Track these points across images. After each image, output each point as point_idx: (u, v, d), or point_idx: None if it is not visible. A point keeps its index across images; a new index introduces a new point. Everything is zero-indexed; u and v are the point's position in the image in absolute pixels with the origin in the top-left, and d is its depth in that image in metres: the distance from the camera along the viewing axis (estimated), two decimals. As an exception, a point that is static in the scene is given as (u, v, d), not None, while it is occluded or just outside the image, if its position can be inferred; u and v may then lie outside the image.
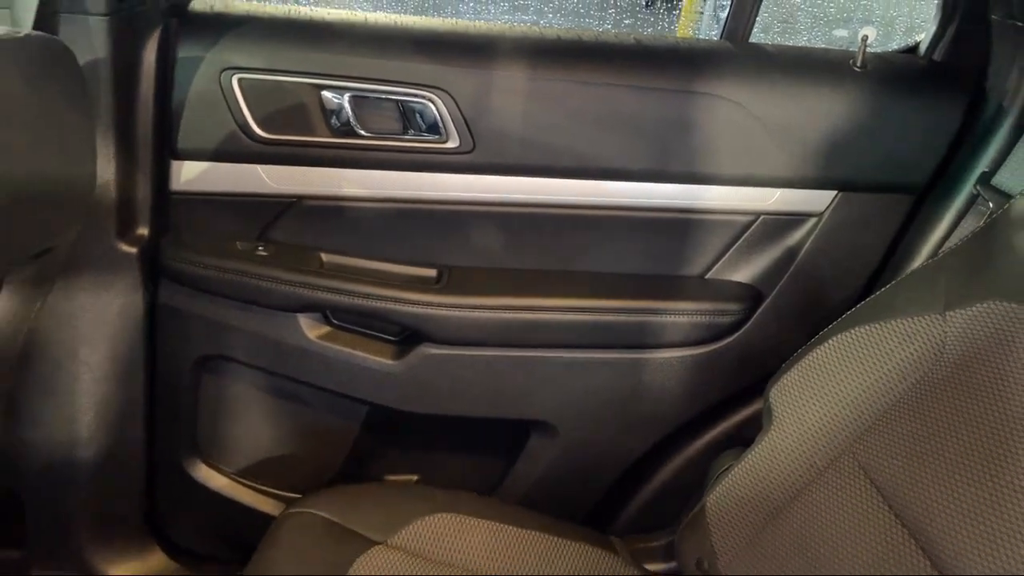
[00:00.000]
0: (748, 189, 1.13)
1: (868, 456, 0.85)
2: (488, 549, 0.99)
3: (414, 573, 0.93)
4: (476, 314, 1.12)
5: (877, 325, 0.87)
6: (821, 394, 0.90)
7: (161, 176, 1.09)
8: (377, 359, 1.14)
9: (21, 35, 0.77)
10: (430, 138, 1.09)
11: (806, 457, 0.90)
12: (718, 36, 1.20)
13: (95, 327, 1.09)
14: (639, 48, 1.14)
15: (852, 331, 0.89)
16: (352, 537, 0.96)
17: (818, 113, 1.10)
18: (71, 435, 1.15)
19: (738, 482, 0.95)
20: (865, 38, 1.08)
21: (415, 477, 1.29)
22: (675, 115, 1.10)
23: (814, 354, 0.92)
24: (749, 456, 0.95)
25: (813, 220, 1.15)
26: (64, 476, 1.17)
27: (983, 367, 0.75)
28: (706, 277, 1.18)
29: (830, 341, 0.91)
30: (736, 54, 1.14)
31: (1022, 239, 0.78)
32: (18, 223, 0.78)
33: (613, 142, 1.10)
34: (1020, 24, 1.00)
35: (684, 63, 1.11)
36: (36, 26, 0.88)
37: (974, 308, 0.78)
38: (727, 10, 1.17)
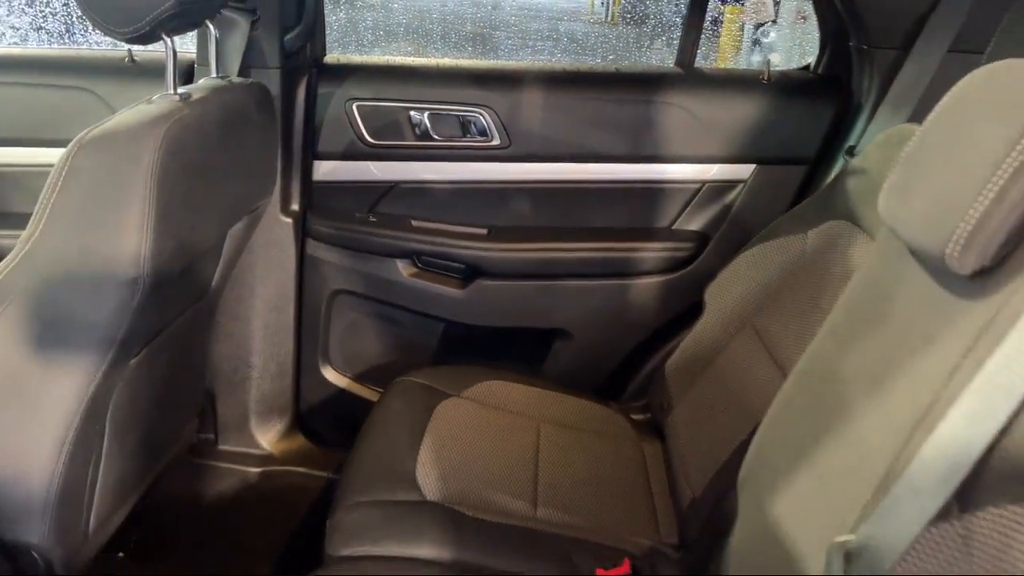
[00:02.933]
0: (695, 165, 1.66)
1: (759, 323, 1.35)
2: (524, 400, 1.50)
3: (474, 411, 1.45)
4: (513, 255, 1.67)
5: (768, 243, 1.38)
6: (733, 289, 1.41)
7: (308, 171, 1.66)
8: (448, 289, 1.69)
9: (247, 81, 1.34)
10: (480, 140, 1.65)
11: (724, 328, 1.41)
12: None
13: (265, 271, 1.66)
14: (618, 74, 1.69)
15: (753, 248, 1.41)
16: (436, 392, 1.49)
17: (740, 112, 1.63)
18: (248, 347, 1.71)
19: (684, 350, 1.48)
20: (769, 61, 1.62)
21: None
22: (644, 117, 1.64)
23: (731, 264, 1.44)
24: (691, 332, 1.47)
25: (740, 185, 1.67)
26: (242, 377, 1.72)
27: (825, 262, 1.23)
28: (672, 228, 1.71)
29: (740, 256, 1.43)
30: (684, 75, 1.68)
31: (852, 181, 1.27)
32: (252, 186, 1.34)
33: (602, 137, 1.65)
34: (866, 47, 1.52)
35: (649, 82, 1.66)
36: (240, 74, 1.46)
37: (821, 226, 1.28)
38: (764, 37, 1.70)
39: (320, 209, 1.68)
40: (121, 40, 1.05)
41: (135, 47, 1.66)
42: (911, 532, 0.59)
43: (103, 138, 0.97)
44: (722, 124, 1.63)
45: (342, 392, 1.78)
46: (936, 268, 0.73)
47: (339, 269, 1.70)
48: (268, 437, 1.78)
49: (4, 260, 0.99)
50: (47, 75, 1.66)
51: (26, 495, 1.06)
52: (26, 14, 1.88)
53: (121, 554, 1.61)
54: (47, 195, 0.97)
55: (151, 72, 1.65)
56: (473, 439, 1.35)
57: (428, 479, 1.23)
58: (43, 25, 1.91)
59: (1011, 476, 0.55)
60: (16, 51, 1.83)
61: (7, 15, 1.90)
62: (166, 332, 1.25)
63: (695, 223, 1.70)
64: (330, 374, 1.79)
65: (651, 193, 1.69)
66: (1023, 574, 0.54)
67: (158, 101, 1.07)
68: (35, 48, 2.04)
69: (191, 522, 1.73)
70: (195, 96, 1.12)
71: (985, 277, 0.66)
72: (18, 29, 1.93)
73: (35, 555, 1.11)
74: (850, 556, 0.63)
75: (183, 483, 1.76)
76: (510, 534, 1.16)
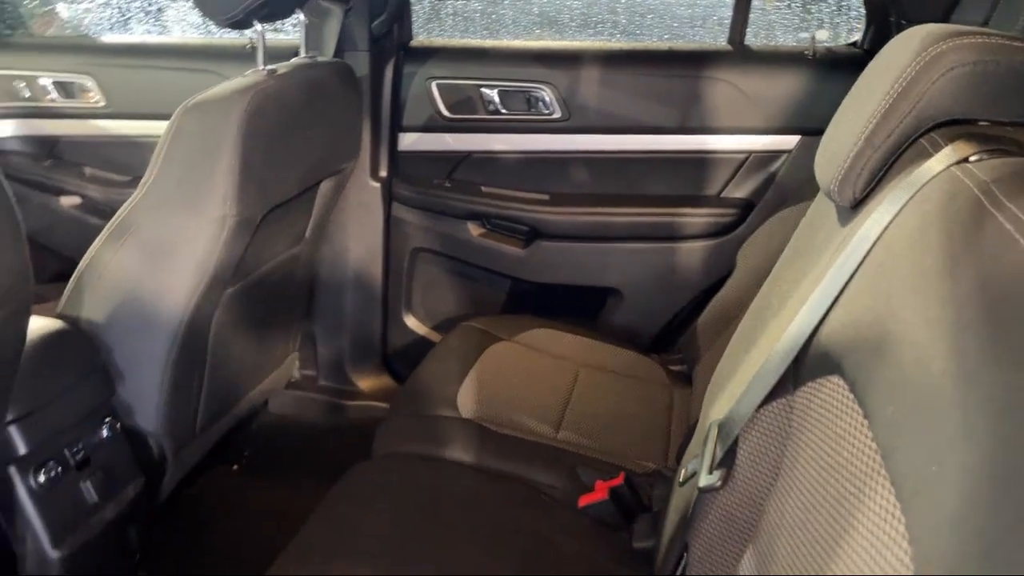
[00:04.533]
0: (742, 136, 1.77)
1: (773, 280, 1.46)
2: (570, 347, 1.67)
3: (521, 353, 1.64)
4: (571, 219, 1.84)
5: (797, 206, 1.49)
6: (761, 248, 1.53)
7: (394, 142, 1.90)
8: (512, 248, 1.88)
9: (332, 60, 1.59)
10: (544, 113, 1.83)
11: (749, 284, 1.52)
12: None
13: (357, 230, 1.91)
14: (671, 52, 1.82)
15: (783, 211, 1.52)
16: (490, 336, 1.67)
17: (786, 87, 1.73)
18: (342, 297, 1.97)
19: (713, 305, 1.61)
20: (814, 38, 1.70)
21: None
22: (695, 92, 1.76)
23: (763, 226, 1.56)
24: (721, 290, 1.59)
25: (784, 155, 1.76)
26: (339, 322, 1.99)
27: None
28: (719, 196, 1.83)
29: (771, 219, 1.54)
30: (733, 52, 1.79)
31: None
32: (332, 150, 1.58)
33: (655, 110, 1.79)
34: (904, 22, 1.58)
35: (700, 59, 1.78)
36: (334, 56, 1.71)
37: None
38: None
39: (404, 176, 1.91)
40: (220, 25, 1.31)
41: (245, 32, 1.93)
42: (753, 407, 0.73)
43: (202, 104, 1.23)
44: (769, 98, 1.73)
45: (421, 338, 2.01)
46: (836, 205, 0.85)
47: (419, 229, 1.92)
48: (359, 375, 2.04)
49: (129, 199, 1.27)
50: (183, 60, 1.98)
51: (142, 389, 1.34)
52: (172, 8, 2.24)
53: (235, 467, 1.91)
54: (160, 148, 1.24)
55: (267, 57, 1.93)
56: (514, 375, 1.54)
57: (466, 401, 1.43)
58: (184, 17, 2.26)
59: (821, 356, 0.68)
60: (158, 40, 2.18)
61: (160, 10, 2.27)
62: (262, 271, 1.52)
63: (741, 191, 1.80)
64: (411, 322, 2.02)
65: (700, 163, 1.81)
66: (834, 428, 0.67)
67: (249, 76, 1.32)
68: (176, 38, 2.40)
69: (293, 443, 2.01)
70: (280, 71, 1.36)
71: (859, 207, 0.79)
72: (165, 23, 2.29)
73: (150, 442, 1.40)
74: (718, 431, 0.78)
75: (289, 411, 2.05)
76: (528, 448, 1.34)
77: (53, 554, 1.17)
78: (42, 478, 1.16)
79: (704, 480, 0.76)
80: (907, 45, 0.78)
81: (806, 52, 1.72)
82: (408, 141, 1.91)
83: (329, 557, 1.06)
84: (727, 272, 1.81)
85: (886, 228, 0.67)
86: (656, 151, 1.81)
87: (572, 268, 1.87)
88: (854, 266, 0.69)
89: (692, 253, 1.81)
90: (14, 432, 1.13)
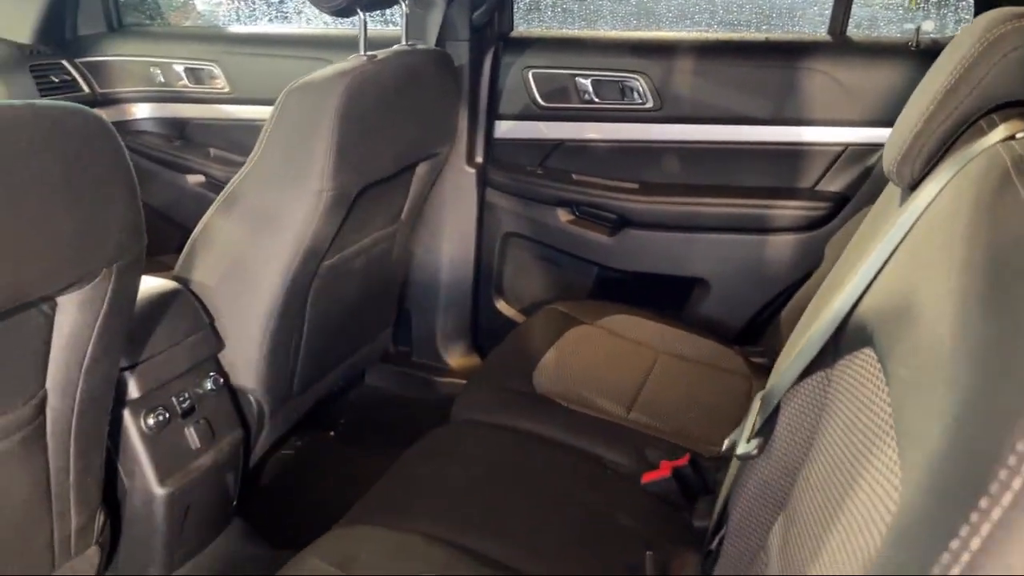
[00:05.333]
0: (839, 128, 1.74)
1: (839, 264, 1.44)
2: (652, 334, 1.69)
3: (601, 337, 1.67)
4: (660, 208, 1.85)
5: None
6: (845, 245, 1.51)
7: (490, 129, 1.96)
8: (600, 236, 1.91)
9: (431, 48, 1.66)
10: (636, 103, 1.85)
11: (830, 275, 1.51)
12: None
13: (452, 214, 1.99)
14: (767, 43, 1.80)
15: (877, 204, 1.49)
16: (573, 319, 1.71)
17: (887, 78, 1.68)
18: (437, 278, 2.05)
19: (798, 297, 1.59)
20: (919, 28, 1.65)
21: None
22: (791, 83, 1.75)
23: (854, 218, 1.54)
24: (806, 283, 1.58)
25: (883, 148, 1.71)
26: (432, 302, 2.08)
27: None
28: (814, 189, 1.80)
29: (864, 211, 1.51)
30: (833, 43, 1.75)
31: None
32: (427, 133, 1.66)
33: (749, 101, 1.78)
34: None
35: (797, 50, 1.75)
36: (436, 44, 1.79)
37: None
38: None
39: (498, 162, 1.98)
40: (326, 13, 1.41)
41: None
42: (791, 379, 0.75)
43: (304, 86, 1.32)
44: (868, 90, 1.70)
45: (509, 320, 2.07)
46: (899, 187, 0.85)
47: (511, 214, 1.98)
48: (450, 354, 2.12)
49: (239, 172, 1.39)
50: (299, 49, 2.12)
51: (245, 348, 1.46)
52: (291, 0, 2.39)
53: (332, 433, 2.02)
54: (267, 126, 1.34)
55: (373, 45, 2.04)
56: (591, 356, 1.58)
57: (541, 378, 1.48)
58: (303, 9, 2.40)
59: (858, 330, 0.69)
60: (277, 30, 2.32)
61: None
62: (358, 247, 1.61)
63: (835, 184, 1.77)
64: (500, 304, 2.09)
65: (794, 155, 1.78)
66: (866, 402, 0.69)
67: (350, 60, 1.41)
68: (292, 28, 2.54)
69: (386, 415, 2.11)
70: (379, 57, 1.45)
71: (917, 188, 0.79)
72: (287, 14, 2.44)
73: (250, 398, 1.52)
74: (760, 402, 0.80)
75: (383, 384, 2.16)
76: (597, 425, 1.37)
77: (158, 491, 1.29)
78: (151, 421, 1.29)
79: (742, 448, 0.78)
80: (974, 29, 0.78)
81: (910, 44, 1.67)
82: (504, 129, 1.97)
83: (399, 510, 1.13)
84: (817, 266, 1.78)
85: (929, 204, 0.68)
86: (749, 142, 1.81)
87: (659, 257, 1.89)
88: (896, 242, 0.70)
89: (782, 246, 1.79)
90: (128, 378, 1.26)
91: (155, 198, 2.27)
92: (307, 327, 1.56)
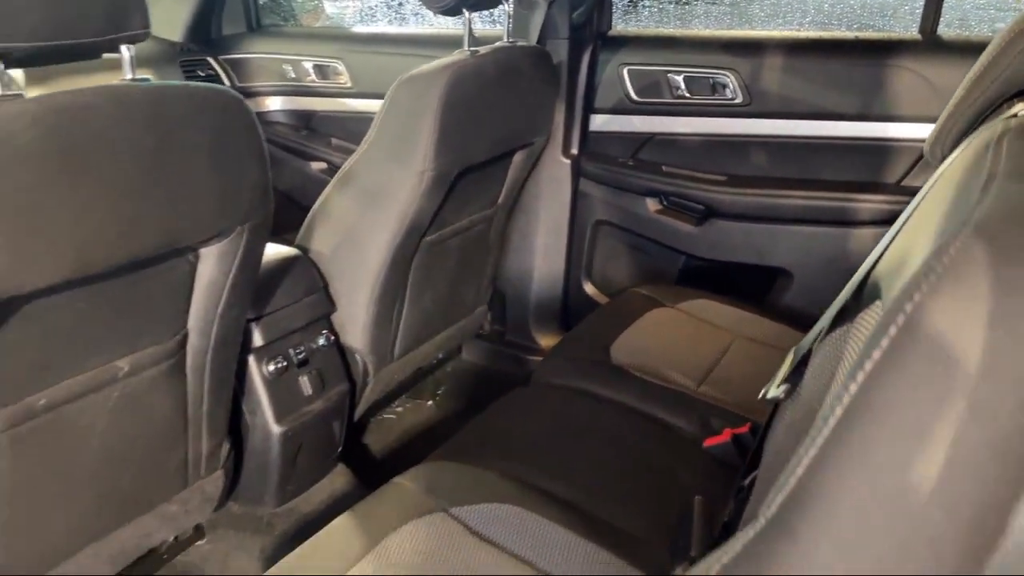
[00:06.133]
0: (927, 125, 1.76)
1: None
2: (731, 319, 1.77)
3: (681, 319, 1.76)
4: (746, 199, 1.93)
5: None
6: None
7: (586, 122, 2.09)
8: (686, 225, 2.00)
9: (530, 45, 1.80)
10: (726, 98, 1.93)
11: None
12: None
13: (547, 202, 2.12)
14: (858, 41, 1.85)
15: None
16: (654, 301, 1.81)
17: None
18: (531, 262, 2.19)
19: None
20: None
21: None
22: (879, 80, 1.79)
23: None
24: (884, 272, 1.62)
25: (970, 145, 1.73)
26: (526, 285, 2.21)
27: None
28: (899, 184, 1.83)
29: None
30: (923, 42, 1.78)
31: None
32: (523, 124, 1.80)
33: (837, 97, 1.83)
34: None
35: (887, 49, 1.79)
36: (538, 42, 1.93)
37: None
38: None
39: (592, 153, 2.10)
40: (435, 13, 1.57)
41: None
42: (820, 330, 0.84)
43: (412, 77, 1.49)
44: (953, 87, 1.72)
45: (597, 304, 2.19)
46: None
47: (602, 203, 2.10)
48: (541, 334, 2.26)
49: (354, 153, 1.57)
50: (413, 47, 2.30)
51: (353, 311, 1.64)
52: (409, 2, 2.59)
53: (430, 402, 2.20)
54: (380, 113, 1.52)
55: (480, 44, 2.20)
56: (669, 335, 1.68)
57: (618, 351, 1.59)
58: (418, 11, 2.59)
59: (873, 286, 0.78)
60: (394, 30, 2.52)
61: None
62: (457, 226, 1.77)
63: (920, 180, 1.80)
64: (590, 289, 2.20)
65: (880, 150, 1.82)
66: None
67: (455, 55, 1.57)
68: (408, 28, 2.73)
69: (480, 388, 2.27)
70: (481, 52, 1.60)
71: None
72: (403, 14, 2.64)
73: (357, 357, 1.70)
74: (794, 355, 0.89)
75: (478, 359, 2.32)
76: (667, 394, 1.47)
77: (275, 428, 1.49)
78: (272, 368, 1.48)
79: (771, 392, 0.87)
80: (1013, 21, 0.85)
81: (1001, 41, 1.69)
82: (599, 122, 2.08)
83: (478, 451, 1.27)
84: (899, 260, 1.82)
85: (941, 173, 0.76)
86: (835, 137, 1.86)
87: (744, 247, 1.96)
88: (913, 207, 0.78)
89: (865, 239, 1.83)
90: (254, 328, 1.46)
91: (282, 182, 2.51)
92: (408, 296, 1.73)
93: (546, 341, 2.25)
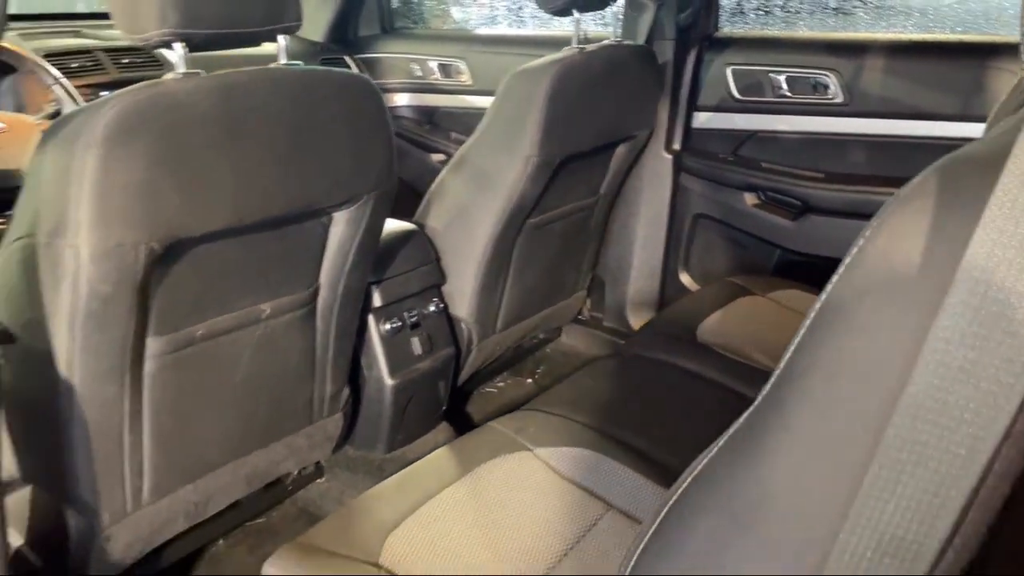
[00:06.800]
0: None
1: None
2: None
3: (769, 308, 1.84)
4: (843, 196, 1.98)
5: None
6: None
7: (688, 119, 2.19)
8: (784, 220, 2.07)
9: (637, 44, 1.93)
10: (827, 98, 2.00)
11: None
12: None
13: (648, 195, 2.23)
14: (960, 43, 1.88)
15: None
16: (745, 291, 1.89)
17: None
18: (629, 252, 2.29)
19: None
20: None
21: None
22: (980, 82, 1.81)
23: None
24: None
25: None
26: (624, 273, 2.32)
27: None
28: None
29: None
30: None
31: None
32: (626, 117, 1.93)
33: (938, 98, 1.86)
34: None
35: (989, 51, 1.81)
36: (646, 43, 2.05)
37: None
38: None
39: (694, 149, 2.20)
40: (546, 12, 1.73)
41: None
42: None
43: (523, 71, 1.65)
44: None
45: (686, 289, 2.28)
46: None
47: (701, 197, 2.20)
48: (637, 321, 2.37)
49: (469, 139, 1.74)
50: (528, 48, 2.46)
51: (461, 283, 1.81)
52: (528, 6, 2.77)
53: (530, 380, 2.35)
54: (492, 104, 1.68)
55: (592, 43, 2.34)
56: (755, 320, 1.76)
57: (704, 332, 1.70)
58: (536, 15, 2.76)
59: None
60: (512, 32, 2.69)
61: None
62: (559, 211, 1.91)
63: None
64: (686, 279, 2.30)
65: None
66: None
67: (564, 52, 1.72)
68: (524, 31, 2.90)
69: (578, 369, 2.40)
70: (588, 50, 1.74)
71: None
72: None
73: (463, 325, 1.87)
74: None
75: (576, 343, 2.45)
76: (748, 371, 1.56)
77: (388, 381, 1.67)
78: (388, 327, 1.67)
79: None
80: None
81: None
82: (701, 119, 2.18)
83: (565, 405, 1.41)
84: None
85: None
86: (934, 137, 1.89)
87: (839, 242, 2.01)
88: None
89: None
90: (374, 290, 1.65)
91: (406, 172, 2.72)
92: (511, 274, 1.89)
93: (637, 322, 2.36)
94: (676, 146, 2.19)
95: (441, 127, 2.77)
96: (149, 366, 1.18)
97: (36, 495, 1.25)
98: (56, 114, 1.79)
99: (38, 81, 1.81)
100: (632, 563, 0.67)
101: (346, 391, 1.60)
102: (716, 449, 0.66)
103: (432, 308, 1.77)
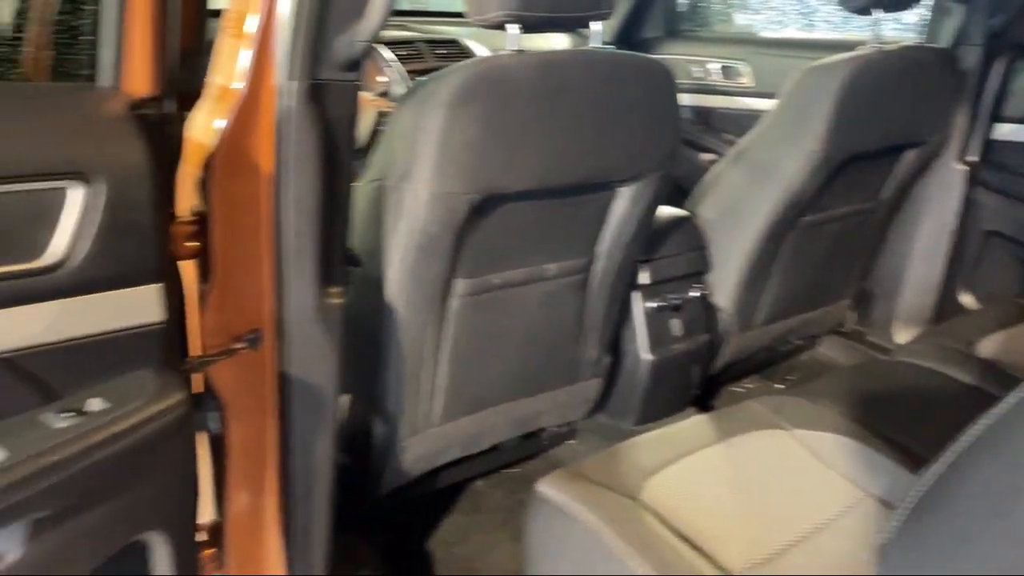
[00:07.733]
0: None
1: None
2: None
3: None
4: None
5: None
6: None
7: (988, 130, 2.05)
8: None
9: (936, 47, 1.86)
10: None
11: None
12: None
13: (933, 206, 2.12)
14: None
15: None
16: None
17: None
18: (904, 264, 2.19)
19: None
20: None
21: None
22: None
23: None
24: None
25: None
26: (896, 287, 2.22)
27: None
28: None
29: None
30: None
31: None
32: (922, 120, 1.86)
33: None
34: None
35: None
36: (952, 47, 1.97)
37: None
38: None
39: (992, 162, 2.07)
40: (847, 10, 1.73)
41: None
42: None
43: (818, 65, 1.67)
44: None
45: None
46: None
47: (996, 214, 2.06)
48: (904, 339, 2.26)
49: (749, 132, 1.79)
50: (815, 52, 2.43)
51: (724, 274, 1.86)
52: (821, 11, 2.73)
53: (780, 386, 2.33)
54: (781, 99, 1.72)
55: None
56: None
57: (984, 347, 1.61)
58: (828, 19, 2.72)
59: None
60: (801, 36, 2.67)
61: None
62: (835, 213, 1.90)
63: None
64: (966, 299, 2.17)
65: None
66: None
67: (860, 50, 1.71)
68: (812, 33, 2.85)
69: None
70: (887, 49, 1.72)
71: None
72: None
73: (722, 316, 1.91)
74: None
75: (834, 355, 2.39)
76: None
77: (646, 356, 1.77)
78: (651, 305, 1.76)
79: None
80: None
81: None
82: (1004, 131, 2.05)
83: (820, 395, 1.42)
84: None
85: None
86: None
87: None
88: None
89: None
90: (643, 268, 1.75)
91: (675, 168, 2.80)
92: (777, 270, 1.90)
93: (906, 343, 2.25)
94: (971, 157, 2.07)
95: (715, 128, 2.81)
96: (454, 304, 1.36)
97: (353, 403, 1.48)
98: (385, 93, 2.08)
99: (373, 64, 2.11)
100: (887, 541, 0.71)
101: (607, 359, 1.71)
102: (974, 439, 0.68)
103: (694, 293, 1.84)
